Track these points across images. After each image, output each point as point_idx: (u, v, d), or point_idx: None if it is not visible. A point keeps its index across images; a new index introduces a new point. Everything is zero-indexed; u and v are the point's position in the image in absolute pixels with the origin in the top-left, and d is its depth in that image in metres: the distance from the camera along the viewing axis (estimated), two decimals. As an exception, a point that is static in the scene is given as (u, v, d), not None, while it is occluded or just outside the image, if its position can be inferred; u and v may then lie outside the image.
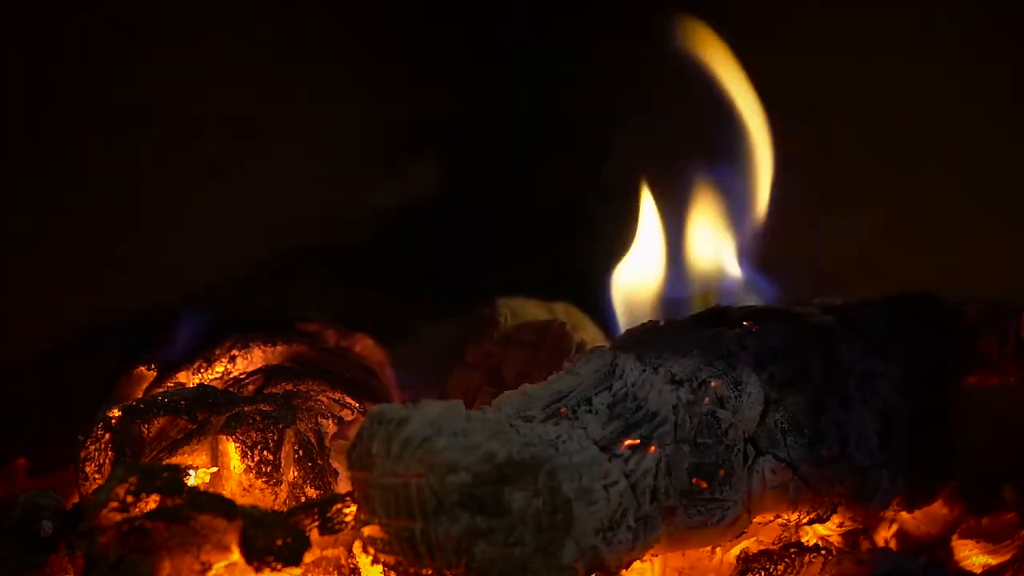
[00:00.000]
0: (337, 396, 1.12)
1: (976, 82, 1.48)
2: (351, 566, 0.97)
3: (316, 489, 1.04)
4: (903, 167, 1.55)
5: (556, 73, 1.87)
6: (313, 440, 1.07)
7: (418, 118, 1.86)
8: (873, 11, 1.55)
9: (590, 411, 0.91)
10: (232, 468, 1.02)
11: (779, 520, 0.99)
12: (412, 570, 0.85)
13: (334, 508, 0.90)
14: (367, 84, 1.79)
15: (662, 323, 1.02)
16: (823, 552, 1.00)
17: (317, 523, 0.89)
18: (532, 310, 1.26)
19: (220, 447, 1.02)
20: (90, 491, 1.03)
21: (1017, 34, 1.44)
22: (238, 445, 1.02)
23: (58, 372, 1.51)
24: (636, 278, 1.25)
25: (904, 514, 1.10)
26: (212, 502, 0.87)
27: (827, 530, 1.03)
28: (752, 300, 1.21)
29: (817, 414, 0.96)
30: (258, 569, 0.86)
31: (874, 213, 1.58)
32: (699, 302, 1.23)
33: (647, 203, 1.30)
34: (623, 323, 1.23)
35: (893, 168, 1.56)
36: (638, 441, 0.90)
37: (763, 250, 1.27)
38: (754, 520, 0.96)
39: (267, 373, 1.13)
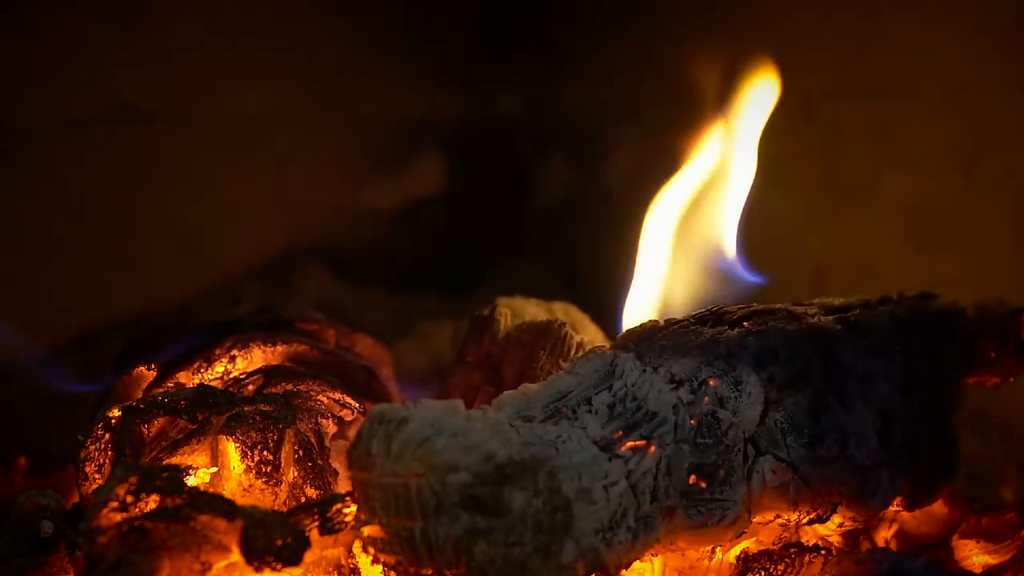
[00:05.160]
0: (337, 396, 1.11)
1: (976, 82, 1.48)
2: (351, 566, 0.97)
3: (316, 489, 1.04)
4: (903, 167, 1.55)
5: (556, 73, 1.87)
6: (313, 440, 1.07)
7: (418, 118, 1.86)
8: (874, 10, 1.55)
9: (590, 411, 0.91)
10: (232, 468, 1.02)
11: (779, 520, 0.99)
12: (412, 570, 0.84)
13: (334, 508, 0.90)
14: (367, 84, 1.79)
15: (662, 323, 1.02)
16: (823, 552, 1.00)
17: (317, 523, 0.89)
18: (532, 310, 1.25)
19: (220, 447, 1.02)
20: (90, 491, 1.03)
21: (1017, 33, 1.44)
22: (238, 445, 1.02)
23: (58, 372, 1.51)
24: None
25: (904, 514, 1.10)
26: (212, 502, 0.87)
27: (827, 530, 1.03)
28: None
29: (817, 414, 0.96)
30: (258, 569, 0.86)
31: (874, 213, 1.58)
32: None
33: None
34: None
35: (893, 168, 1.56)
36: (639, 441, 0.90)
37: (763, 249, 1.27)
38: (754, 520, 0.96)
39: (267, 373, 1.13)
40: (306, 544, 0.87)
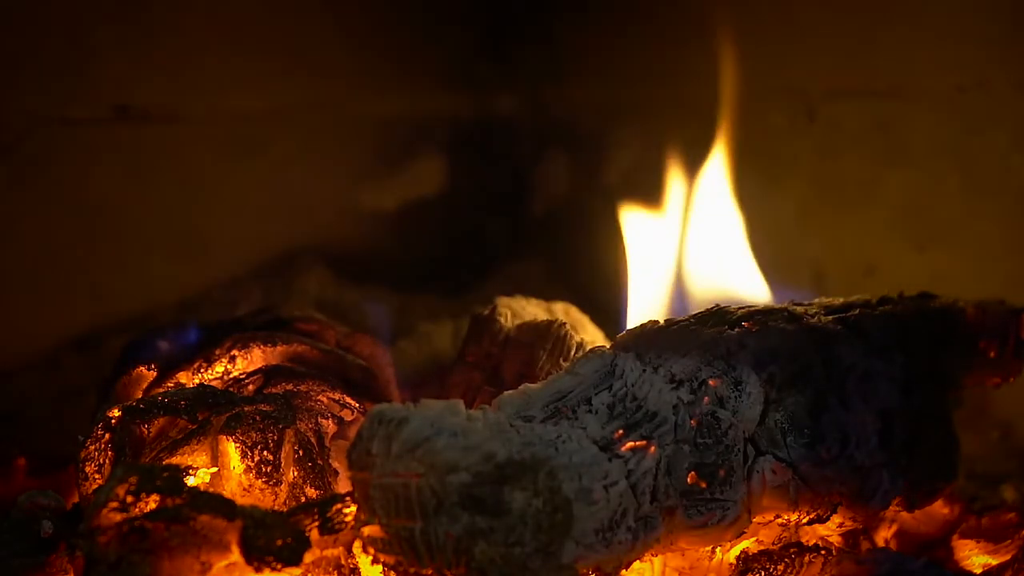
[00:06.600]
0: (337, 396, 1.11)
1: (976, 82, 1.48)
2: (351, 566, 0.97)
3: (316, 489, 1.04)
4: (903, 167, 1.55)
5: (556, 73, 1.87)
6: (313, 440, 1.07)
7: (418, 118, 1.86)
8: (874, 10, 1.55)
9: (590, 411, 0.91)
10: (232, 468, 1.02)
11: (779, 520, 0.99)
12: (412, 570, 0.85)
13: (334, 508, 0.90)
14: (367, 85, 1.79)
15: (662, 323, 1.02)
16: (823, 552, 1.00)
17: (317, 523, 0.89)
18: (532, 310, 1.25)
19: (220, 447, 1.02)
20: (90, 491, 1.03)
21: (1017, 33, 1.44)
22: (238, 445, 1.02)
23: (58, 372, 1.51)
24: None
25: (904, 514, 1.10)
26: (212, 502, 0.87)
27: (827, 530, 1.03)
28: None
29: (817, 414, 0.96)
30: (258, 569, 0.86)
31: (874, 213, 1.58)
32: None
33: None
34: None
35: (893, 168, 1.56)
36: (639, 441, 0.90)
37: (762, 251, 1.27)
38: (754, 520, 0.96)
39: (267, 373, 1.13)
40: (306, 544, 0.87)
